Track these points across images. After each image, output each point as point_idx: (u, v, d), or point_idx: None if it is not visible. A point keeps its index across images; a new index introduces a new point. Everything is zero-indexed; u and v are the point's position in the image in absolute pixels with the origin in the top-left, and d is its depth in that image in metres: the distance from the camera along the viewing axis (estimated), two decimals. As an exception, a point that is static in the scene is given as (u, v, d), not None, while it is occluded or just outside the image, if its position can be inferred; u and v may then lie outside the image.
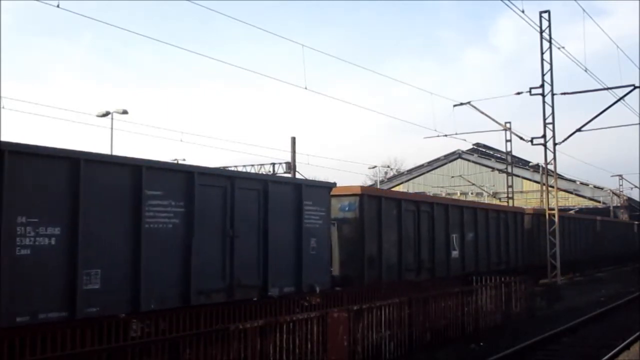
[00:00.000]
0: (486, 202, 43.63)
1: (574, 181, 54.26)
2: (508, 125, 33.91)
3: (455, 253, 20.16)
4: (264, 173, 33.64)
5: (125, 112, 33.00)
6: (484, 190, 50.18)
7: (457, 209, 21.15)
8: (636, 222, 49.88)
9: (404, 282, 16.58)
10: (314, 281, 13.28)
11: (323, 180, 24.40)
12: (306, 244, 13.23)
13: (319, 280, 13.45)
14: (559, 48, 25.07)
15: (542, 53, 24.93)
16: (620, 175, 56.35)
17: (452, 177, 53.14)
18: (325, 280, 13.85)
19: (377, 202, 16.56)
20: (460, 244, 20.69)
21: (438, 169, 59.87)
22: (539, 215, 28.11)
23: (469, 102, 26.96)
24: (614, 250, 41.52)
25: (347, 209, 15.65)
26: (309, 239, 13.33)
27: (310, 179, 30.54)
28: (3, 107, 22.90)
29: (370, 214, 16.11)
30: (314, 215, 13.57)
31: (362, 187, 16.79)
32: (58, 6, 11.85)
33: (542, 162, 27.75)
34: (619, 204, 53.79)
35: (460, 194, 51.40)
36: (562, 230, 27.98)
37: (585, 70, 24.95)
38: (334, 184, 14.82)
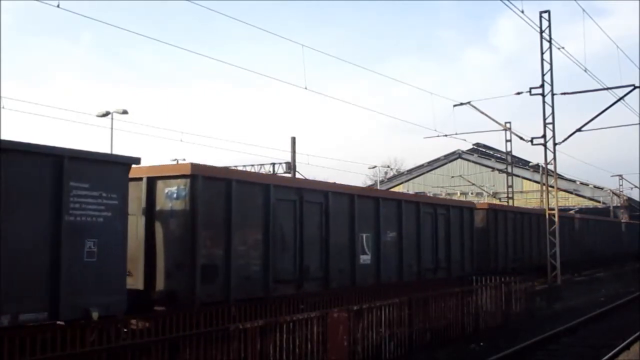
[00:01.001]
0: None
1: (574, 181, 54.27)
2: (508, 125, 33.90)
3: (365, 258, 15.59)
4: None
5: (125, 112, 33.00)
6: (484, 190, 50.19)
7: (370, 200, 16.20)
8: (624, 221, 47.57)
9: (273, 299, 12.47)
10: (90, 303, 9.03)
11: (323, 180, 24.00)
12: (72, 248, 8.96)
13: (99, 302, 9.13)
14: (559, 48, 25.05)
15: (542, 53, 24.91)
16: (620, 175, 56.39)
17: (452, 177, 53.15)
18: (113, 300, 9.37)
19: (224, 186, 11.90)
20: (374, 247, 16.01)
21: (438, 169, 59.89)
22: (495, 211, 24.37)
23: (469, 102, 26.94)
24: (598, 250, 37.54)
25: (174, 196, 11.34)
26: (80, 239, 9.09)
27: (310, 178, 30.53)
28: (3, 107, 22.88)
29: (209, 204, 11.52)
30: (92, 205, 9.27)
31: (194, 165, 11.39)
32: (58, 6, 11.85)
33: (542, 162, 27.71)
34: (619, 204, 53.79)
35: (461, 194, 51.41)
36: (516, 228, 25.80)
37: (585, 70, 24.92)
38: (135, 160, 10.07)
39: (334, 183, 16.94)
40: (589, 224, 37.06)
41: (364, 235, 15.70)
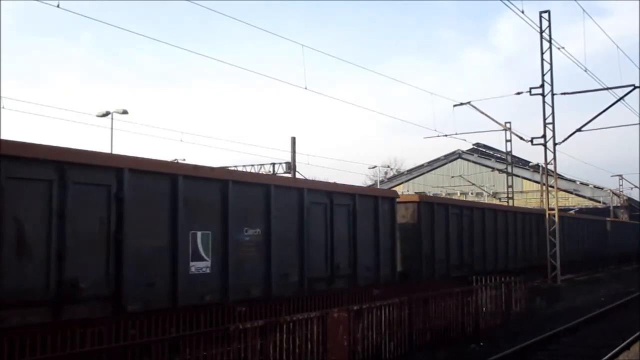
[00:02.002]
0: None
1: (574, 181, 54.27)
2: (508, 125, 33.91)
3: (199, 266, 10.86)
4: (266, 173, 33.63)
5: (125, 112, 33.00)
6: (484, 190, 50.20)
7: (203, 183, 11.29)
8: (608, 219, 41.80)
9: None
10: None
11: (323, 180, 23.87)
12: None
13: None
14: (559, 48, 25.06)
15: (542, 53, 24.92)
16: (620, 175, 56.39)
17: (452, 177, 53.15)
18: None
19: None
20: (218, 248, 11.25)
21: (438, 169, 59.88)
22: (431, 204, 19.09)
23: (469, 102, 26.95)
24: (581, 250, 33.34)
25: None
26: None
27: (311, 179, 30.53)
28: (3, 107, 22.87)
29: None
30: None
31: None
32: (58, 6, 11.85)
33: (542, 162, 27.71)
34: (619, 204, 53.79)
35: (460, 194, 51.42)
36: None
37: (585, 70, 24.93)
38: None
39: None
40: (563, 221, 30.12)
41: (194, 234, 10.92)
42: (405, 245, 17.53)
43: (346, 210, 14.70)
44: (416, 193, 42.94)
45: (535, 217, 27.52)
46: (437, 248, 18.84)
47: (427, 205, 18.90)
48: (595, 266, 35.74)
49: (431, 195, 41.89)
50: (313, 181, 20.92)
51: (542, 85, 24.86)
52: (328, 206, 14.08)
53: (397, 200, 17.03)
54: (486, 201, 44.88)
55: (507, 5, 37.52)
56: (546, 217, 25.85)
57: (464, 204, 24.13)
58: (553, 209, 25.92)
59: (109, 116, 32.85)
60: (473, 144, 53.37)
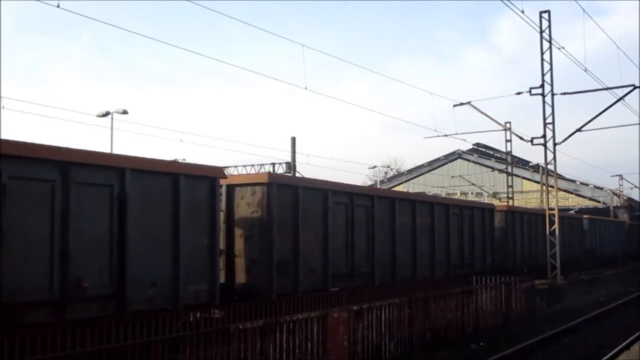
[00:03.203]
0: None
1: (574, 181, 54.25)
2: (508, 125, 33.88)
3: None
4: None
5: (125, 112, 33.00)
6: (484, 190, 50.19)
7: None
8: (585, 217, 37.44)
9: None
10: None
11: (322, 179, 23.30)
12: None
13: None
14: (558, 48, 25.07)
15: (542, 53, 24.92)
16: (620, 175, 56.39)
17: (452, 177, 53.14)
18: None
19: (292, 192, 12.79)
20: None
21: (438, 169, 59.86)
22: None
23: (469, 102, 26.95)
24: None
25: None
26: None
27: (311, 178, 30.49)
28: (3, 107, 22.87)
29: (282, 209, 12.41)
30: None
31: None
32: (58, 6, 11.85)
33: (542, 162, 27.69)
34: (619, 204, 53.78)
35: (461, 193, 51.41)
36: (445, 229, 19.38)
37: (585, 70, 24.93)
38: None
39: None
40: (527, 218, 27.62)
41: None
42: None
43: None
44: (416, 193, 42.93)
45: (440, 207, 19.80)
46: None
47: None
48: (571, 271, 30.24)
49: (431, 195, 41.84)
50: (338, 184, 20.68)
51: (542, 85, 24.87)
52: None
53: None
54: (486, 201, 44.90)
55: (507, 5, 37.57)
56: (487, 213, 25.38)
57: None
58: (553, 209, 25.91)
59: (109, 116, 32.86)
60: (473, 144, 53.43)
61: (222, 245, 11.58)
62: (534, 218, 27.24)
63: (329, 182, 14.58)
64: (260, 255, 12.08)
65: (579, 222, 35.11)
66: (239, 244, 12.29)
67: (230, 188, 12.48)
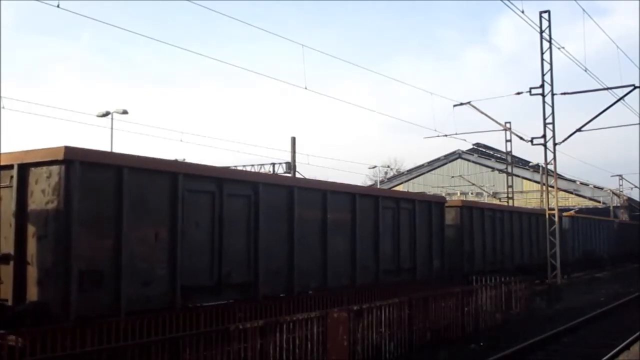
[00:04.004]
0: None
1: (574, 181, 54.27)
2: (508, 125, 33.89)
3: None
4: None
5: (125, 112, 33.01)
6: (484, 190, 50.20)
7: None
8: (566, 214, 33.66)
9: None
10: None
11: (322, 179, 23.51)
12: None
13: None
14: (559, 48, 25.06)
15: (542, 53, 24.92)
16: (620, 175, 56.44)
17: (452, 177, 53.16)
18: None
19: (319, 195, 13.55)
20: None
21: (438, 169, 59.90)
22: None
23: (469, 102, 26.96)
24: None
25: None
26: None
27: (311, 178, 30.52)
28: (3, 107, 22.87)
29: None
30: None
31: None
32: (58, 6, 11.85)
33: (542, 162, 27.69)
34: (619, 204, 53.80)
35: (460, 193, 51.42)
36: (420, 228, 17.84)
37: (585, 70, 24.94)
38: None
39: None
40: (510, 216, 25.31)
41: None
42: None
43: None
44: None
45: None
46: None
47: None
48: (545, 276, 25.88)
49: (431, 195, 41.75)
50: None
51: (542, 85, 24.87)
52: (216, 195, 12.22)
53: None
54: (486, 201, 44.90)
55: (507, 5, 37.57)
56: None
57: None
58: (553, 209, 25.90)
59: (109, 116, 32.87)
60: (473, 144, 53.52)
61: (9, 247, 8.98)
62: (500, 215, 23.87)
63: (180, 163, 12.42)
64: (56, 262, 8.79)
65: (559, 220, 30.05)
66: (32, 247, 8.97)
67: (24, 169, 9.16)
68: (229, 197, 11.33)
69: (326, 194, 13.89)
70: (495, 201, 44.76)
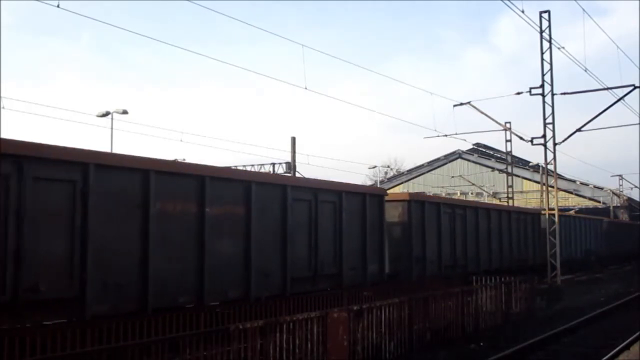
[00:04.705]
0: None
1: (574, 181, 54.30)
2: (508, 125, 33.89)
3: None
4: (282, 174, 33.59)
5: (125, 112, 33.01)
6: (484, 190, 50.20)
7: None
8: (544, 212, 28.34)
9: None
10: None
11: (321, 179, 23.50)
12: None
13: None
14: (559, 48, 25.06)
15: (542, 53, 24.92)
16: (620, 175, 56.46)
17: (452, 177, 53.17)
18: None
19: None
20: None
21: (438, 169, 59.92)
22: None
23: (469, 102, 26.96)
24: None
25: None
26: None
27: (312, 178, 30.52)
28: (3, 107, 22.85)
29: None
30: None
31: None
32: (58, 6, 11.85)
33: (542, 162, 27.68)
34: (619, 204, 53.81)
35: (460, 193, 51.43)
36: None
37: (585, 70, 24.95)
38: None
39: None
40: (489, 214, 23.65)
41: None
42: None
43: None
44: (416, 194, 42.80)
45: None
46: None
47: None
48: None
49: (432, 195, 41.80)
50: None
51: (542, 85, 24.87)
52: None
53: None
54: (486, 201, 44.89)
55: (507, 5, 37.55)
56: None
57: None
58: (553, 209, 25.89)
59: (109, 116, 32.86)
60: (473, 144, 53.51)
61: None
62: (462, 212, 20.89)
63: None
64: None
65: (537, 218, 28.35)
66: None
67: None
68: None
69: (203, 180, 11.27)
70: (496, 201, 44.75)
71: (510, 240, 24.79)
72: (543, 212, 28.51)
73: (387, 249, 16.69)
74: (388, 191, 19.63)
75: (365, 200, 15.65)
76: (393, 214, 17.24)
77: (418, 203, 18.45)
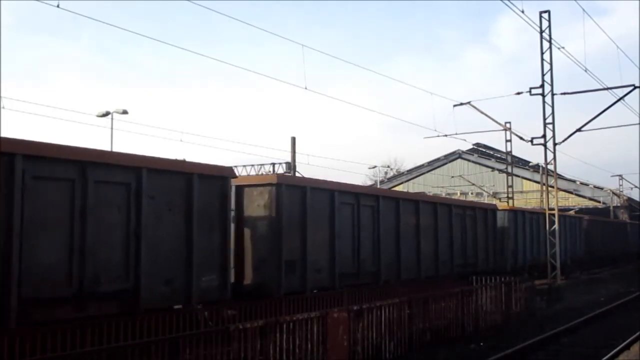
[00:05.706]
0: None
1: (574, 181, 54.28)
2: (508, 125, 33.87)
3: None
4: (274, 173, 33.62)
5: (125, 112, 32.98)
6: (484, 191, 50.20)
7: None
8: (508, 207, 26.98)
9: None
10: None
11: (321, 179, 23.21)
12: None
13: None
14: (559, 48, 25.04)
15: (542, 53, 24.90)
16: (620, 175, 56.45)
17: (452, 177, 53.15)
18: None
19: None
20: None
21: (438, 169, 59.89)
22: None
23: (469, 102, 26.93)
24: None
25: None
26: None
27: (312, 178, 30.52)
28: (3, 107, 22.86)
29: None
30: None
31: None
32: (58, 6, 11.84)
33: (542, 162, 27.65)
34: (619, 204, 53.81)
35: (460, 193, 51.42)
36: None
37: (585, 70, 24.92)
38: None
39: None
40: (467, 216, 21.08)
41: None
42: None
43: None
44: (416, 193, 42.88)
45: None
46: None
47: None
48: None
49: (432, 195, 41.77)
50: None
51: (542, 85, 24.85)
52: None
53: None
54: (486, 201, 44.89)
55: (507, 5, 37.55)
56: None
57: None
58: (553, 209, 25.89)
59: (109, 116, 32.83)
60: (473, 144, 53.48)
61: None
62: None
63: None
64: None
65: (491, 215, 23.19)
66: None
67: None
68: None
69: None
70: (495, 201, 44.76)
71: (466, 241, 20.48)
72: (501, 206, 26.23)
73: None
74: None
75: (212, 184, 11.56)
76: (259, 202, 13.28)
77: (294, 189, 13.64)
